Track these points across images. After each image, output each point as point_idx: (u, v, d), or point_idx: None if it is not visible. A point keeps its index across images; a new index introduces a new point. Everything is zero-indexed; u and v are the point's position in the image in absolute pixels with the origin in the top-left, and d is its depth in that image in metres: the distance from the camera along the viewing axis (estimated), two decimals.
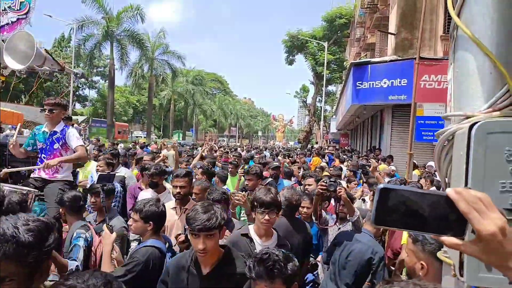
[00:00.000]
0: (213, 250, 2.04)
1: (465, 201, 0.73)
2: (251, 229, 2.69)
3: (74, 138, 4.25)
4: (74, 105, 43.81)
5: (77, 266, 2.55)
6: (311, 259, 3.84)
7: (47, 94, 36.78)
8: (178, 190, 3.46)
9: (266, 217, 2.45)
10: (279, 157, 12.29)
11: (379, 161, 10.85)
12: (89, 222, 3.33)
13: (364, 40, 21.50)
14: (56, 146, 4.23)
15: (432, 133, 9.49)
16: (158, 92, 48.18)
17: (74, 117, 32.34)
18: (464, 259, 0.91)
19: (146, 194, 4.35)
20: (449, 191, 0.75)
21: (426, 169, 9.02)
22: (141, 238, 2.71)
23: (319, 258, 3.85)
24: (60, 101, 4.30)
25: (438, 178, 7.52)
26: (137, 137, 38.48)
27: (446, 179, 1.09)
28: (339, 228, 3.46)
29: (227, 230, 3.01)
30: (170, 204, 3.56)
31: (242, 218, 4.05)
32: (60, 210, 3.21)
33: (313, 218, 3.59)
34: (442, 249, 1.11)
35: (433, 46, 12.54)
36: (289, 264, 1.78)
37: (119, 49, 31.51)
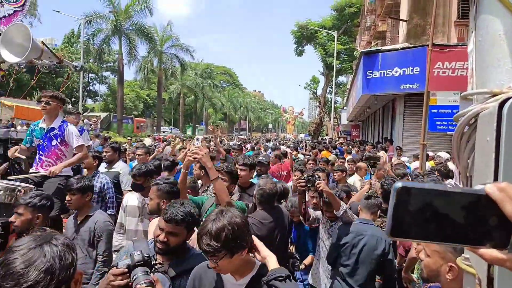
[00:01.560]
0: None
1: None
2: None
3: (74, 137, 4.14)
4: (85, 100, 44.22)
5: None
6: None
7: (58, 90, 37.12)
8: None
9: (211, 264, 1.75)
10: (287, 149, 12.07)
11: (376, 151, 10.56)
12: None
13: (374, 28, 21.00)
14: (54, 142, 4.11)
15: (446, 123, 9.16)
16: (167, 86, 48.24)
17: (97, 114, 32.52)
18: (494, 274, 0.72)
19: (132, 197, 3.71)
20: (490, 188, 0.57)
21: (436, 160, 8.72)
22: None
23: (309, 258, 3.65)
24: (58, 94, 4.16)
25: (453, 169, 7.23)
26: (163, 132, 38.07)
27: (468, 172, 0.90)
28: (331, 226, 3.23)
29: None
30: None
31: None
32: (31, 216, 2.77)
33: (301, 217, 3.31)
34: (463, 254, 0.92)
35: (447, 32, 12.12)
36: None
37: (128, 43, 31.49)
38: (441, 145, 11.27)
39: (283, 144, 18.43)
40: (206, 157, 2.63)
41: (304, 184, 3.01)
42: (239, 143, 16.86)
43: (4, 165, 4.97)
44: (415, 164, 8.47)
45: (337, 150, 13.00)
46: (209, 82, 52.10)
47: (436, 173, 5.87)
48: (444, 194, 0.56)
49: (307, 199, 3.22)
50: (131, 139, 14.01)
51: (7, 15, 4.49)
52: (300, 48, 35.04)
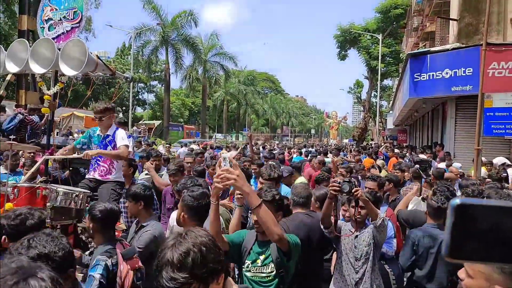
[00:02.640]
0: None
1: None
2: None
3: (119, 138, 4.36)
4: (135, 108, 46.47)
5: None
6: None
7: (111, 99, 39.42)
8: None
9: None
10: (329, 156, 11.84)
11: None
12: (121, 241, 2.74)
13: (422, 29, 20.18)
14: (108, 148, 4.38)
15: (503, 126, 8.54)
16: (211, 93, 49.46)
17: (150, 122, 33.94)
18: None
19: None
20: None
21: (493, 166, 8.16)
22: None
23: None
24: (107, 105, 4.41)
25: None
26: (216, 138, 38.40)
27: None
28: (356, 236, 3.03)
29: None
30: None
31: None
32: (89, 224, 2.66)
33: (321, 226, 3.02)
34: None
35: (502, 31, 11.36)
36: None
37: (174, 53, 32.75)
38: (497, 150, 10.53)
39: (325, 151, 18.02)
40: (240, 180, 1.93)
41: (338, 188, 2.80)
42: (277, 148, 16.44)
43: (66, 172, 5.35)
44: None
45: (383, 156, 12.56)
46: (252, 89, 52.76)
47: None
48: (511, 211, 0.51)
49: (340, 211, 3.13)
50: (169, 146, 14.15)
51: (65, 32, 4.85)
52: (343, 52, 34.53)
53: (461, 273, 1.48)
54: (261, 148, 16.03)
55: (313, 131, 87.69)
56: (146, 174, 5.20)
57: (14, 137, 6.42)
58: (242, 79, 52.16)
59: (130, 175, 4.72)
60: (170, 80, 34.13)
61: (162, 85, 46.10)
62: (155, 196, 4.50)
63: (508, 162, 8.56)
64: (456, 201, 0.54)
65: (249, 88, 52.29)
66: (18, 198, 3.60)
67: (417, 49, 17.78)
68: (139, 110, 52.75)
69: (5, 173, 4.81)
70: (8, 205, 3.55)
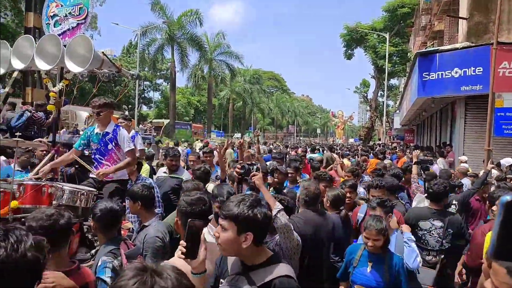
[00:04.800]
0: None
1: None
2: None
3: (125, 141, 4.24)
4: (141, 107, 46.56)
5: None
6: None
7: (116, 97, 39.54)
8: None
9: None
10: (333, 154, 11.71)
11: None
12: (125, 241, 2.65)
13: (430, 28, 19.95)
14: (110, 146, 4.27)
15: None
16: (217, 92, 49.45)
17: (159, 120, 33.82)
18: None
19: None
20: None
21: (502, 168, 8.00)
22: None
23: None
24: (106, 101, 4.28)
25: None
26: (237, 138, 37.43)
27: None
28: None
29: None
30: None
31: None
32: (92, 224, 2.63)
33: None
34: None
35: None
36: None
37: (180, 51, 32.77)
38: (506, 151, 10.37)
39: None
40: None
41: (239, 170, 2.67)
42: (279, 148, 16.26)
43: (72, 169, 5.31)
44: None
45: (390, 156, 12.42)
46: (257, 88, 52.68)
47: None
48: None
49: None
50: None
51: (71, 28, 4.81)
52: (349, 51, 34.36)
53: (487, 284, 1.36)
54: (267, 148, 15.93)
55: (318, 131, 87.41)
56: (164, 172, 5.11)
57: (20, 134, 6.37)
58: (247, 77, 52.06)
59: (135, 172, 4.62)
60: (176, 78, 34.16)
61: (167, 83, 46.13)
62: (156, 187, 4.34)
63: None
64: (507, 197, 0.47)
65: (255, 87, 52.19)
66: (23, 196, 3.57)
67: (425, 48, 17.58)
68: (144, 108, 52.87)
69: (18, 170, 4.78)
70: (13, 203, 3.52)
